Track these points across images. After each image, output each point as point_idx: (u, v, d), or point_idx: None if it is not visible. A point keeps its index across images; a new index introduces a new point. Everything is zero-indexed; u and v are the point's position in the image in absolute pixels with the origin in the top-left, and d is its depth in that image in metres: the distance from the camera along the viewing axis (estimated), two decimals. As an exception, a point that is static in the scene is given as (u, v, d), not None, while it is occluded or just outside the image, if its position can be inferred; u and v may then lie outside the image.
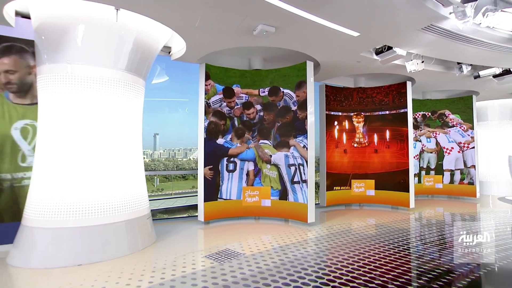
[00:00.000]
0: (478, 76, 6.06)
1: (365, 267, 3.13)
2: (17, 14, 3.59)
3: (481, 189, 8.52)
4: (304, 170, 4.89)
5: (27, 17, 3.57)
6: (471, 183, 7.65)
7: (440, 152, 7.95)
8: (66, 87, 3.46)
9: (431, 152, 7.99)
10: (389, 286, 2.69)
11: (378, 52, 4.93)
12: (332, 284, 2.74)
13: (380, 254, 3.55)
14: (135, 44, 3.79)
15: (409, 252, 3.68)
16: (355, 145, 6.74)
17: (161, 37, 4.15)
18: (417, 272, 3.09)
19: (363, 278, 2.86)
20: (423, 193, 7.91)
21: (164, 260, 3.39)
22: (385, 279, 2.85)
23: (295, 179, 4.96)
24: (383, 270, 3.07)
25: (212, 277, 2.92)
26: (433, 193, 7.95)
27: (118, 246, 3.57)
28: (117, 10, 3.44)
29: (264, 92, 5.33)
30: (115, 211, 3.61)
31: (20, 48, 3.82)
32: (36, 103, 3.72)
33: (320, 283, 2.76)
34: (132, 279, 2.88)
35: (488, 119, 8.97)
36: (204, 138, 4.94)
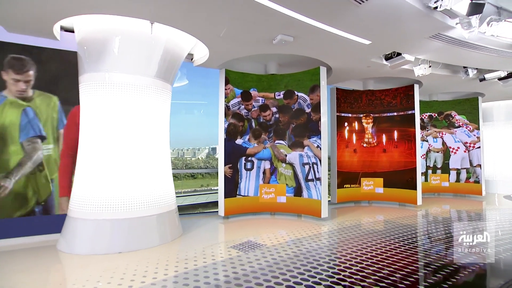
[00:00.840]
0: (484, 79, 6.30)
1: (377, 256, 3.46)
2: (61, 28, 3.98)
3: (487, 188, 8.74)
4: (317, 168, 5.22)
5: (71, 31, 3.96)
6: (477, 182, 7.90)
7: (446, 152, 8.20)
8: (105, 93, 3.84)
9: (438, 152, 8.25)
10: (397, 275, 3.01)
11: (388, 57, 5.22)
12: (348, 270, 3.08)
13: (390, 246, 3.87)
14: (164, 53, 4.15)
15: (416, 246, 3.99)
16: (365, 145, 7.04)
17: (186, 45, 4.50)
18: (423, 263, 3.40)
19: (376, 265, 3.20)
20: (429, 191, 8.18)
21: (194, 250, 3.76)
22: (394, 268, 3.18)
23: (309, 177, 5.30)
24: (391, 261, 3.39)
25: (240, 264, 3.27)
26: (439, 191, 8.22)
27: (151, 237, 3.95)
28: (151, 23, 3.80)
29: (279, 95, 5.67)
30: (148, 205, 3.97)
31: None
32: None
33: (338, 269, 3.11)
34: (168, 265, 3.25)
35: (493, 120, 9.18)
36: (224, 139, 5.31)
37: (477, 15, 3.66)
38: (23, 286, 2.75)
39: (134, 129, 3.97)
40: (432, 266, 3.24)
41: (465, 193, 8.03)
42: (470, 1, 3.49)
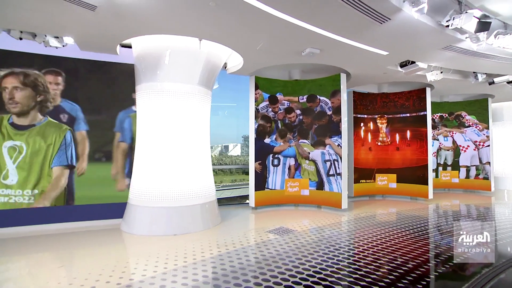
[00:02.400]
0: (493, 83, 6.71)
1: (391, 241, 4.05)
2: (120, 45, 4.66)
3: (496, 184, 9.15)
4: (338, 164, 5.81)
5: (129, 47, 4.63)
6: (486, 178, 8.34)
7: (456, 150, 8.66)
8: (158, 99, 4.50)
9: (448, 150, 8.73)
10: (408, 256, 3.59)
11: (403, 65, 5.73)
12: (371, 250, 3.68)
13: (402, 233, 4.45)
14: (206, 64, 4.77)
15: (426, 233, 4.55)
16: (379, 143, 7.59)
17: (223, 56, 5.12)
18: (433, 246, 3.97)
19: (390, 248, 3.80)
20: (440, 187, 8.67)
21: (236, 233, 4.40)
22: (405, 250, 3.77)
23: (331, 172, 5.90)
24: (403, 245, 3.97)
25: (279, 244, 3.90)
26: (449, 187, 8.70)
27: (197, 223, 4.60)
28: (200, 40, 4.43)
29: (303, 99, 6.27)
30: (194, 196, 4.63)
31: None
32: None
33: (363, 249, 3.71)
34: (219, 245, 3.89)
35: (504, 119, 9.55)
36: (254, 138, 5.94)
37: (485, 31, 4.16)
38: (114, 254, 3.45)
39: (182, 130, 4.62)
40: (437, 250, 3.81)
41: (475, 189, 8.48)
42: (478, 20, 4.00)
